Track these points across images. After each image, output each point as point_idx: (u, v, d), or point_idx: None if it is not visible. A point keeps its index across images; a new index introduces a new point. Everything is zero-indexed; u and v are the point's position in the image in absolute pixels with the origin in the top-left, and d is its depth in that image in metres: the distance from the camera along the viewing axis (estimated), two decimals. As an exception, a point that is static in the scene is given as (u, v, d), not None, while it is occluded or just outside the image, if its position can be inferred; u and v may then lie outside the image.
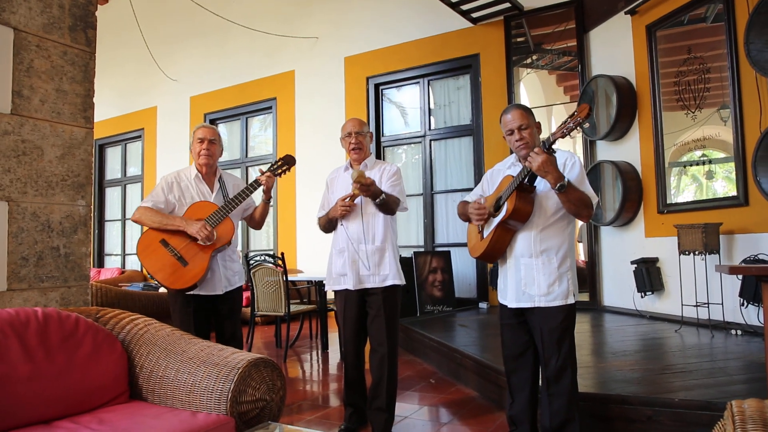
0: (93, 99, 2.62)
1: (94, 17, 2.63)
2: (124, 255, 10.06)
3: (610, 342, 4.16)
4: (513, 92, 6.41)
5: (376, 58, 7.39)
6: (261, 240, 8.57)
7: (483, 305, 6.36)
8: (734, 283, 4.23)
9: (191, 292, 2.84)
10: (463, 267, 6.61)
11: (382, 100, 7.49)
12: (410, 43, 7.13)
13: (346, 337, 2.90)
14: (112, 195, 10.40)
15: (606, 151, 5.80)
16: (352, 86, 7.56)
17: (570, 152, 2.43)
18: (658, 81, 5.16)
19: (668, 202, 5.07)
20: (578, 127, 2.17)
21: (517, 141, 2.37)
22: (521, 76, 6.62)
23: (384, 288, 2.80)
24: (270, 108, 8.37)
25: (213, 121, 8.86)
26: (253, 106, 8.52)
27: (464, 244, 6.18)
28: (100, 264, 10.28)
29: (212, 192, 3.01)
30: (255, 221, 3.17)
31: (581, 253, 7.14)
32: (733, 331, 4.19)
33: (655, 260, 5.11)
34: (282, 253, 5.11)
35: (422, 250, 6.87)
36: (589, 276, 5.95)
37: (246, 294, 6.54)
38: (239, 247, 3.16)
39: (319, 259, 6.66)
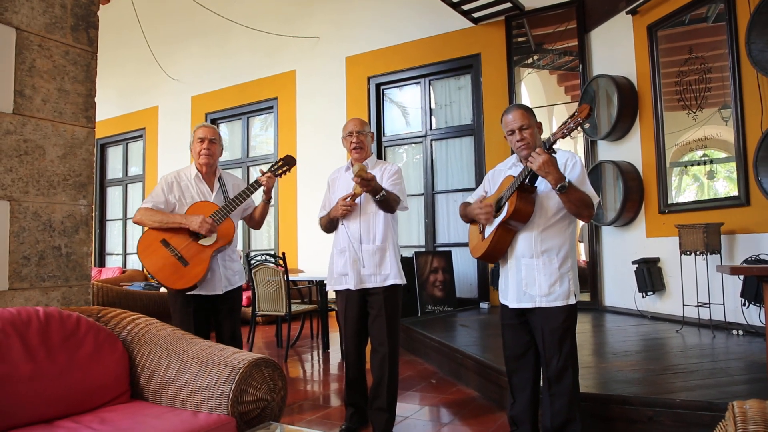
0: (94, 99, 2.62)
1: (95, 17, 2.64)
2: (125, 254, 10.07)
3: (612, 342, 4.16)
4: (514, 92, 6.41)
5: (377, 58, 7.39)
6: (262, 240, 8.58)
7: (484, 305, 6.36)
8: (735, 283, 4.22)
9: (191, 292, 2.84)
10: (464, 267, 6.61)
11: (383, 100, 7.49)
12: (411, 42, 7.13)
13: (347, 336, 2.90)
14: (114, 194, 10.42)
15: (607, 151, 5.80)
16: (353, 86, 7.56)
17: (571, 152, 2.44)
18: (659, 81, 5.16)
19: (669, 202, 5.06)
20: (578, 128, 2.17)
21: (518, 141, 2.37)
22: (522, 76, 6.62)
23: (385, 288, 2.80)
24: (271, 108, 8.38)
25: (214, 121, 8.87)
26: (254, 106, 8.53)
27: (465, 244, 6.18)
28: (102, 263, 10.29)
29: (212, 192, 3.01)
30: (254, 221, 3.17)
31: (582, 253, 7.13)
32: (735, 332, 4.19)
33: (656, 260, 5.10)
34: (283, 253, 5.11)
35: (423, 250, 6.87)
36: (590, 276, 5.94)
37: (247, 294, 6.54)
38: (240, 247, 3.17)
39: (320, 258, 6.67)
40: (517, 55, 6.50)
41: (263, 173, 3.00)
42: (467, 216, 2.62)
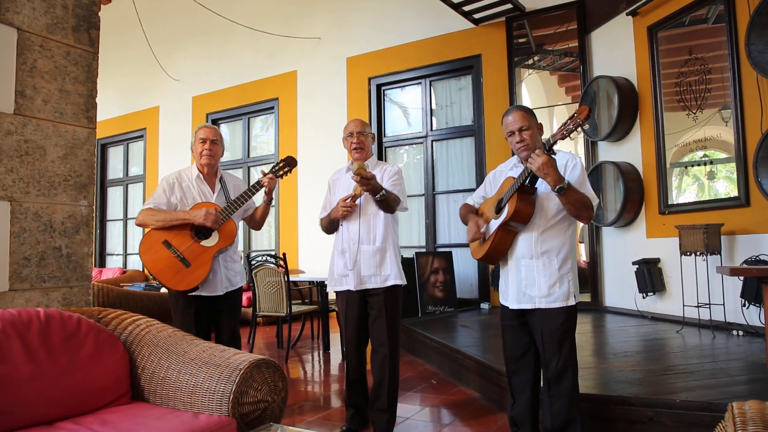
0: (96, 99, 2.62)
1: (97, 17, 2.64)
2: (125, 255, 10.07)
3: (612, 343, 4.16)
4: (515, 93, 6.41)
5: (378, 58, 7.39)
6: (263, 240, 8.58)
7: (484, 306, 6.36)
8: (735, 283, 4.22)
9: (193, 293, 2.85)
10: (465, 267, 6.61)
11: (384, 100, 7.50)
12: (412, 43, 7.13)
13: (348, 337, 2.91)
14: (114, 195, 10.42)
15: (607, 152, 5.80)
16: (354, 87, 7.57)
17: (572, 154, 2.44)
18: (660, 82, 5.16)
19: (669, 202, 5.07)
20: (578, 129, 2.17)
21: (517, 142, 2.37)
22: (523, 76, 6.63)
23: (385, 288, 2.80)
24: (272, 108, 8.38)
25: (215, 121, 8.87)
26: (255, 106, 8.53)
27: (466, 245, 6.19)
28: (102, 264, 10.30)
29: (213, 192, 3.02)
30: (255, 222, 3.18)
31: (583, 253, 7.14)
32: (735, 332, 4.19)
33: (656, 261, 5.10)
34: (284, 254, 5.11)
35: (424, 250, 6.87)
36: (590, 277, 5.94)
37: (247, 294, 6.55)
38: (240, 248, 3.18)
39: (321, 259, 6.67)
40: (517, 56, 6.51)
41: (264, 174, 3.01)
42: (466, 218, 2.63)
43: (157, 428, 1.63)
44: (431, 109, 7.17)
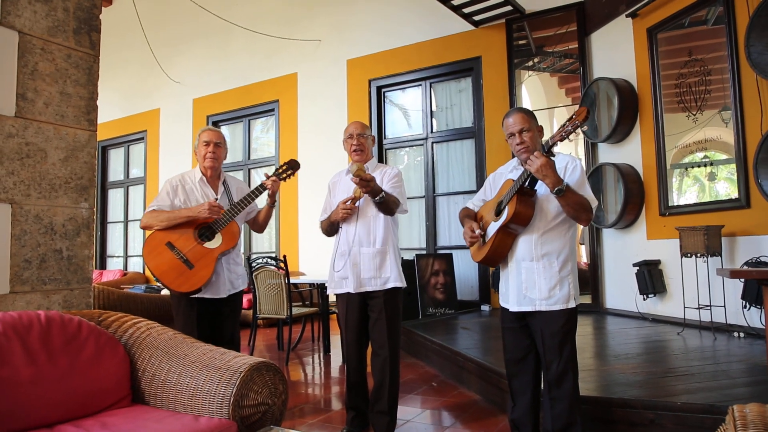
0: (96, 102, 2.63)
1: (98, 20, 2.64)
2: (126, 257, 10.07)
3: (613, 345, 4.15)
4: (515, 95, 6.41)
5: (378, 60, 7.40)
6: (263, 242, 8.58)
7: (485, 308, 6.36)
8: (736, 285, 4.22)
9: (195, 295, 2.85)
10: (465, 269, 6.61)
11: (384, 102, 7.50)
12: (412, 45, 7.14)
13: (348, 340, 2.91)
14: (115, 197, 10.43)
15: (607, 154, 5.80)
16: (355, 89, 7.57)
17: (572, 156, 2.44)
18: (660, 83, 5.16)
19: (670, 204, 5.07)
20: (576, 130, 2.17)
21: (517, 144, 2.37)
22: (523, 78, 6.63)
23: (385, 291, 2.80)
24: (272, 110, 8.39)
25: (215, 123, 8.88)
26: (255, 109, 8.54)
27: (466, 247, 6.17)
28: (103, 266, 10.30)
29: (217, 195, 3.03)
30: (258, 225, 3.19)
31: (583, 255, 7.14)
32: (736, 334, 4.19)
33: (657, 262, 5.10)
34: (284, 256, 5.11)
35: (424, 252, 6.87)
36: (591, 278, 5.94)
37: (248, 296, 6.54)
38: (241, 250, 3.19)
39: (321, 261, 6.67)
40: (517, 58, 6.51)
41: (268, 177, 3.02)
42: (464, 223, 2.63)
43: (158, 431, 1.63)
44: (431, 111, 7.18)
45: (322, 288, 5.23)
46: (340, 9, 7.77)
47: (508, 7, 6.22)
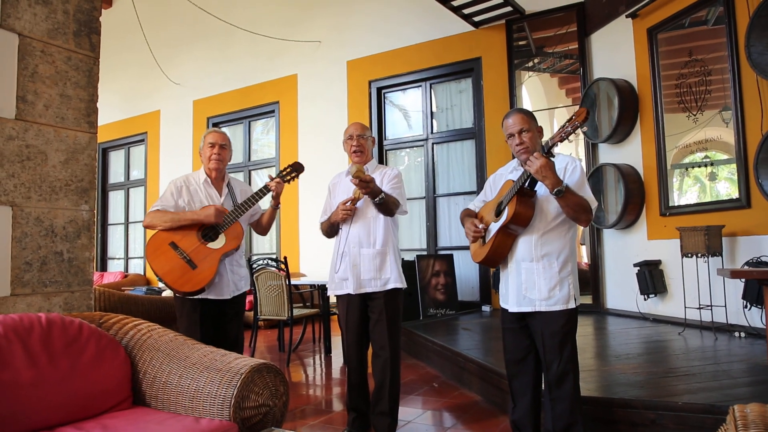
0: (97, 104, 2.63)
1: (98, 23, 2.65)
2: (126, 258, 10.08)
3: (614, 345, 4.15)
4: (515, 95, 6.41)
5: (378, 61, 7.40)
6: (264, 244, 8.58)
7: (486, 308, 6.36)
8: (737, 285, 4.22)
9: (198, 296, 2.85)
10: (466, 270, 6.61)
11: (384, 103, 7.51)
12: (412, 46, 7.15)
13: (349, 341, 2.91)
14: (115, 198, 10.44)
15: (608, 154, 5.80)
16: (355, 90, 7.58)
17: (572, 157, 2.44)
18: (660, 83, 5.16)
19: (670, 204, 5.06)
20: (576, 131, 2.17)
21: (517, 145, 2.37)
22: (523, 79, 6.63)
23: (385, 292, 2.80)
24: (272, 112, 8.40)
25: (216, 125, 8.89)
26: (255, 110, 8.55)
27: (467, 247, 6.18)
28: (103, 267, 10.31)
29: (221, 196, 3.04)
30: (262, 227, 3.19)
31: (584, 255, 7.14)
32: (737, 334, 4.18)
33: (657, 263, 5.10)
34: (285, 257, 5.11)
35: (425, 253, 6.87)
36: (591, 279, 5.94)
37: (249, 298, 6.54)
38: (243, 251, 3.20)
39: (322, 262, 6.67)
40: (517, 59, 6.52)
41: (272, 179, 3.03)
42: (464, 222, 2.63)
43: (159, 433, 1.63)
44: (432, 112, 7.18)
45: (322, 289, 5.22)
46: (339, 10, 7.77)
47: (508, 8, 6.22)
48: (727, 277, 3.42)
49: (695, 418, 2.46)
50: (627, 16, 5.45)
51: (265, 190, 3.00)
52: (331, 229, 2.93)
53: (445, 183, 7.01)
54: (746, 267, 4.04)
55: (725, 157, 4.87)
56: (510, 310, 2.43)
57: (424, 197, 7.07)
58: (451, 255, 6.48)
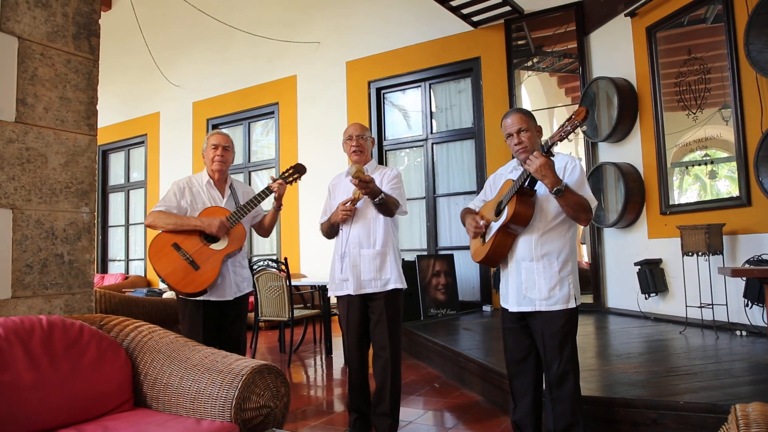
0: (96, 106, 2.63)
1: (97, 25, 2.65)
2: (127, 260, 10.08)
3: (615, 344, 4.15)
4: (514, 95, 6.41)
5: (377, 62, 7.40)
6: (264, 245, 8.59)
7: (487, 308, 6.35)
8: (738, 283, 4.21)
9: (201, 298, 2.86)
10: (467, 270, 6.61)
11: (383, 104, 7.51)
12: (411, 47, 7.15)
13: (350, 342, 2.91)
14: (116, 200, 10.45)
15: (608, 153, 5.80)
16: (354, 91, 7.58)
17: (571, 156, 2.44)
18: (659, 82, 5.16)
19: (671, 203, 5.06)
20: (576, 130, 2.17)
21: (516, 145, 2.38)
22: (522, 78, 6.63)
23: (386, 293, 2.80)
24: (272, 113, 8.40)
25: (215, 126, 8.89)
26: (255, 111, 8.55)
27: (467, 247, 6.17)
28: (104, 269, 10.31)
29: (223, 198, 3.04)
30: (264, 228, 3.19)
31: (584, 254, 7.13)
32: (738, 332, 4.18)
33: (658, 261, 5.10)
34: (285, 258, 5.11)
35: (425, 253, 6.87)
36: (592, 278, 5.94)
37: (249, 299, 6.53)
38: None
39: (323, 263, 6.67)
40: (516, 58, 6.52)
41: (274, 180, 3.03)
42: (465, 220, 2.63)
43: (160, 435, 1.63)
44: (431, 112, 7.18)
45: (323, 290, 5.22)
46: (338, 11, 7.78)
47: (507, 8, 6.22)
48: (728, 276, 3.42)
49: (697, 417, 2.46)
50: (626, 15, 5.45)
51: (268, 191, 3.01)
52: (331, 229, 2.93)
53: (444, 183, 7.01)
54: (747, 265, 4.04)
55: (725, 155, 4.86)
56: (510, 310, 2.43)
57: (424, 197, 7.07)
58: (452, 255, 6.48)
